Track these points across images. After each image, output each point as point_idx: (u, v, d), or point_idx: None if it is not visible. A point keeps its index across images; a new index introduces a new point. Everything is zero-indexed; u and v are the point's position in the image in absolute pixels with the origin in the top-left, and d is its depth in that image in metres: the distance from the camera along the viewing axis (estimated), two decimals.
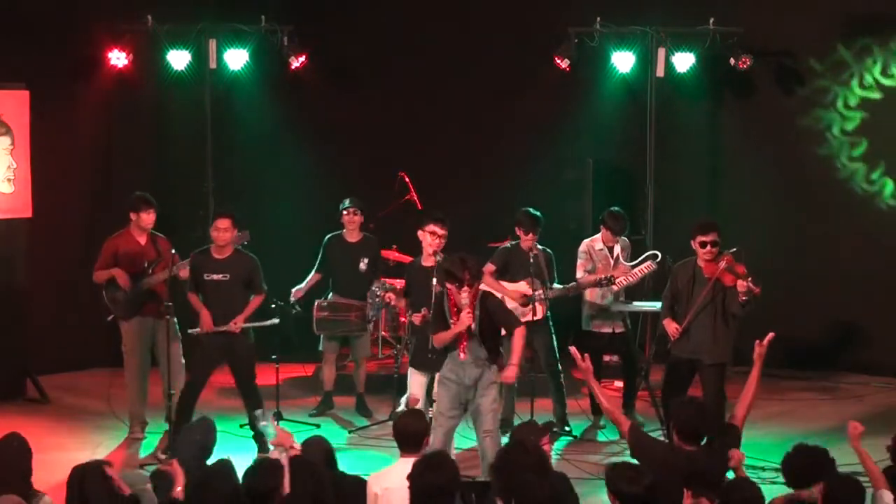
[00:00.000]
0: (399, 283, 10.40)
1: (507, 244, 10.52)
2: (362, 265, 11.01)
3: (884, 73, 12.55)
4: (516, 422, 9.97)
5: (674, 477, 6.06)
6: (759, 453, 8.94)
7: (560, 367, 10.38)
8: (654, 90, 12.39)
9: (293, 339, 11.29)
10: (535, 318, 10.03)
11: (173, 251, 10.06)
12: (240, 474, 6.11)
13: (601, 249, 10.60)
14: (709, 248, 9.24)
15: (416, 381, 9.21)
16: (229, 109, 12.92)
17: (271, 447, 6.59)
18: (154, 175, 12.71)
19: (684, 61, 12.35)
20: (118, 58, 12.25)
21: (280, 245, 12.21)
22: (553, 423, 10.02)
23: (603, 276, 10.26)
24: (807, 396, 11.91)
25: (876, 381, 12.31)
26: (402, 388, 9.98)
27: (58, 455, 8.88)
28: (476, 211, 12.95)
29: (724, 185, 13.23)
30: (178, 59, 12.32)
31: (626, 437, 6.93)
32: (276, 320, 10.03)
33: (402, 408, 9.77)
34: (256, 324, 9.89)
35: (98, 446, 10.05)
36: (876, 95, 12.59)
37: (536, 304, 10.01)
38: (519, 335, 8.37)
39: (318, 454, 6.48)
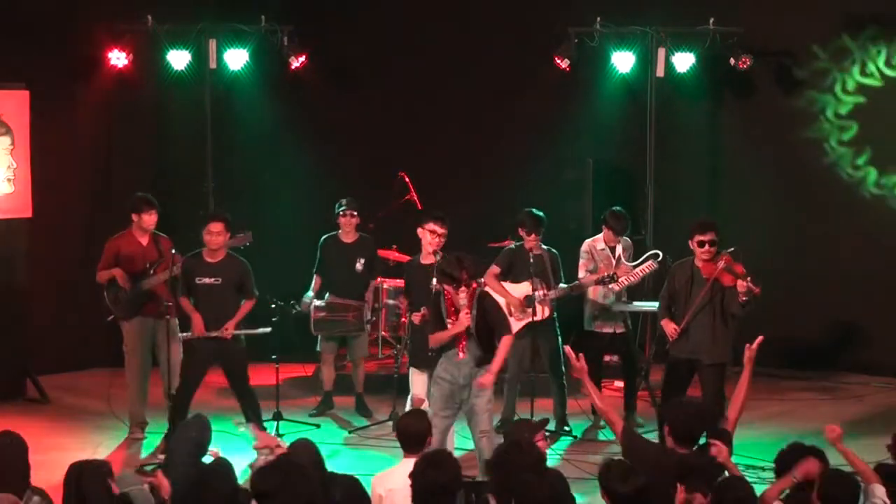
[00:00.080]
0: (397, 283, 10.40)
1: (512, 245, 10.51)
2: (359, 265, 11.00)
3: (888, 63, 12.54)
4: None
5: (666, 479, 6.05)
6: (759, 453, 8.93)
7: (564, 369, 10.38)
8: (654, 90, 12.39)
9: (293, 339, 11.28)
10: (540, 319, 10.04)
11: (174, 251, 10.06)
12: (238, 474, 6.11)
13: (603, 249, 10.60)
14: (707, 247, 9.22)
15: (417, 382, 9.21)
16: (229, 109, 12.93)
17: (256, 452, 6.56)
18: (154, 175, 12.72)
19: (684, 61, 12.35)
20: (118, 58, 12.26)
21: (280, 245, 12.22)
22: (547, 420, 10.01)
23: (605, 275, 10.26)
24: (807, 396, 11.91)
25: (876, 381, 12.31)
26: (402, 388, 9.97)
27: (58, 455, 8.87)
28: (476, 211, 12.95)
29: (724, 185, 13.23)
30: (178, 59, 12.32)
31: (619, 437, 6.93)
32: (268, 329, 9.99)
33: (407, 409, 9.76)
34: (248, 331, 9.86)
35: (98, 446, 10.05)
36: (877, 83, 12.58)
37: (538, 304, 10.01)
38: (505, 343, 8.35)
39: (305, 457, 6.47)
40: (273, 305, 10.86)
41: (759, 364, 12.48)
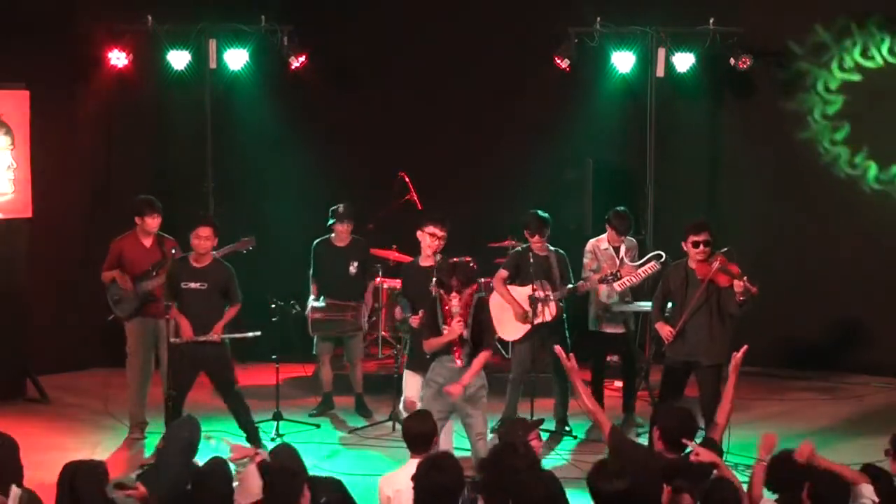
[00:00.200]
0: (397, 284, 10.39)
1: (518, 247, 10.51)
2: (352, 268, 10.99)
3: (863, 55, 12.54)
4: None
5: (653, 481, 6.05)
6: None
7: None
8: (654, 90, 12.40)
9: (293, 339, 11.28)
10: (546, 320, 10.04)
11: (174, 251, 10.06)
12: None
13: (606, 249, 10.61)
14: (701, 247, 9.20)
15: (410, 384, 9.20)
16: (229, 109, 12.93)
17: (233, 466, 6.54)
18: (154, 175, 12.73)
19: (684, 61, 12.36)
20: (118, 58, 12.27)
21: (280, 245, 12.22)
22: (542, 420, 10.01)
23: (609, 273, 10.26)
24: (807, 396, 11.90)
25: (876, 381, 12.31)
26: (402, 388, 9.97)
27: (57, 455, 8.84)
28: (476, 211, 12.96)
29: (724, 185, 13.23)
30: (178, 59, 12.33)
31: (607, 439, 6.93)
32: (257, 333, 9.97)
33: (399, 410, 9.77)
34: (237, 334, 9.86)
35: (97, 446, 10.05)
36: (855, 77, 12.59)
37: (542, 305, 10.01)
38: (483, 357, 8.33)
39: (287, 462, 6.45)
40: (273, 305, 10.87)
41: (759, 364, 12.61)
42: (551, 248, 10.33)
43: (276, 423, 10.32)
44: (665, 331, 9.37)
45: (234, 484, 6.29)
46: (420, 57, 13.13)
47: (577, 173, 12.89)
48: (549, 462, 9.62)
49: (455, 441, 9.00)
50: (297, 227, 12.55)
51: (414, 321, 9.03)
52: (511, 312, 10.26)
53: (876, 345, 12.57)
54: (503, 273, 10.30)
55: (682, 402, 8.93)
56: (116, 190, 12.66)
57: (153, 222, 10.19)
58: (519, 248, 10.47)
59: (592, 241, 10.72)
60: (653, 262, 10.46)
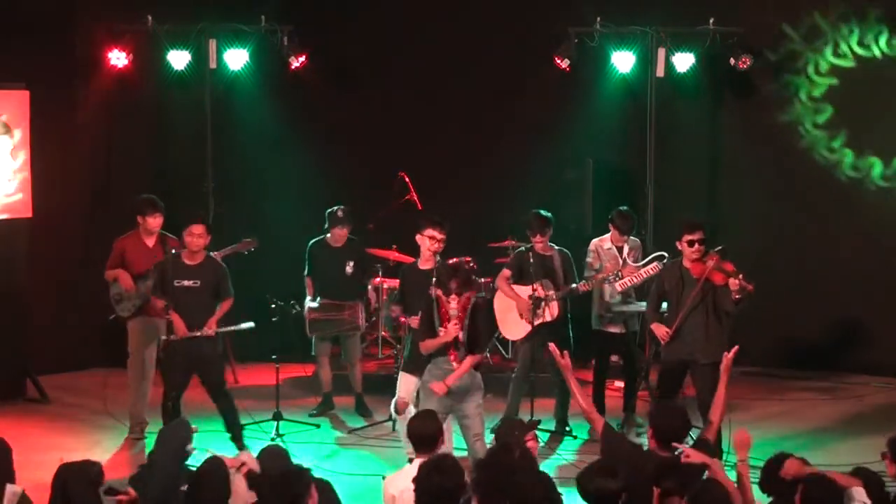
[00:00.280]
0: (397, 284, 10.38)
1: (522, 247, 10.51)
2: (348, 268, 10.99)
3: (860, 43, 12.53)
4: None
5: (644, 480, 6.04)
6: (759, 453, 8.87)
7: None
8: (654, 90, 12.39)
9: (293, 339, 11.28)
10: (547, 320, 10.04)
11: (175, 251, 10.04)
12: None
13: (609, 248, 10.61)
14: (696, 246, 9.21)
15: (405, 385, 9.18)
16: (229, 109, 12.92)
17: None
18: (154, 175, 12.72)
19: (684, 61, 12.35)
20: (118, 58, 12.26)
21: (280, 245, 12.21)
22: (539, 421, 10.02)
23: (611, 273, 10.26)
24: (807, 396, 11.90)
25: (876, 381, 12.30)
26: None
27: (57, 455, 8.84)
28: (476, 211, 12.96)
29: (724, 185, 13.22)
30: (178, 59, 12.33)
31: (600, 436, 6.93)
32: (251, 324, 9.98)
33: (391, 411, 9.77)
34: (232, 327, 9.86)
35: (97, 446, 10.05)
36: (849, 64, 12.58)
37: (543, 305, 10.00)
38: (470, 361, 8.35)
39: (277, 463, 6.44)
40: (273, 305, 10.86)
41: (759, 364, 12.60)
42: (556, 247, 10.33)
43: (276, 423, 10.32)
44: (661, 331, 9.38)
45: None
46: (420, 57, 13.13)
47: (577, 173, 12.89)
48: (552, 462, 9.63)
49: (455, 441, 9.00)
50: (297, 227, 12.52)
51: (414, 322, 9.03)
52: (515, 312, 10.27)
53: (876, 345, 12.57)
54: (506, 272, 10.33)
55: (678, 402, 8.95)
56: (116, 190, 12.66)
57: (154, 221, 10.19)
58: (522, 248, 10.47)
59: (596, 240, 10.73)
60: (655, 263, 10.44)
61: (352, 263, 11.00)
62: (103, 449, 9.97)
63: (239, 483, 6.21)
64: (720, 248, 9.23)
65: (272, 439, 10.06)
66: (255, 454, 6.57)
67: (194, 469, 6.29)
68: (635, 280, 10.44)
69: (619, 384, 11.12)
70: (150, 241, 10.24)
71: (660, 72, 12.31)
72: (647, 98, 12.45)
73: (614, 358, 11.14)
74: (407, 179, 12.67)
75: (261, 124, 13.19)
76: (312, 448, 10.01)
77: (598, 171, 12.72)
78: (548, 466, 9.36)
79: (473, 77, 13.09)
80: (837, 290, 12.68)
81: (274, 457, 6.49)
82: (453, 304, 8.21)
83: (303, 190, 13.02)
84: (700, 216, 10.51)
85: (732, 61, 12.31)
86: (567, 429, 10.49)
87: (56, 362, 12.33)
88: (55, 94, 12.20)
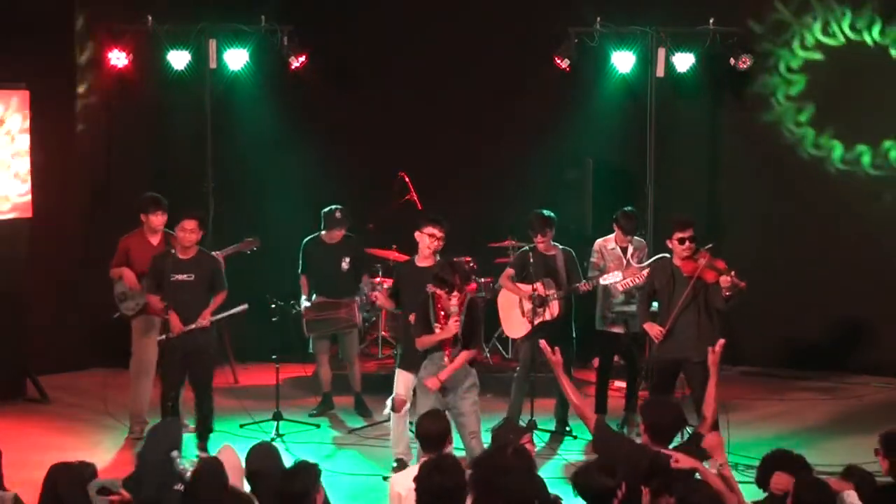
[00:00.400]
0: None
1: (525, 247, 10.51)
2: (344, 265, 10.98)
3: (824, 31, 12.52)
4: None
5: (636, 474, 6.04)
6: (760, 453, 8.88)
7: (572, 371, 10.35)
8: (654, 90, 12.39)
9: (293, 339, 11.28)
10: (547, 319, 10.04)
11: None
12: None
13: (613, 249, 10.60)
14: (687, 244, 9.20)
15: (402, 382, 9.20)
16: (229, 109, 12.92)
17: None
18: (154, 175, 12.71)
19: (684, 61, 12.35)
20: (118, 58, 12.25)
21: (280, 245, 12.20)
22: (535, 425, 10.04)
23: (611, 274, 10.26)
24: (807, 396, 11.90)
25: (876, 381, 12.30)
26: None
27: (57, 455, 8.80)
28: (476, 211, 12.96)
29: (723, 185, 13.22)
30: (178, 59, 12.32)
31: (593, 432, 6.93)
32: (245, 306, 9.99)
33: (387, 410, 9.78)
34: (226, 313, 9.88)
35: (97, 446, 10.05)
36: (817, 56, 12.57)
37: (543, 305, 10.01)
38: (464, 356, 8.39)
39: (268, 461, 6.44)
40: (273, 305, 10.86)
41: (759, 364, 12.60)
42: (560, 246, 10.33)
43: (276, 423, 10.32)
44: (654, 330, 9.38)
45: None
46: (420, 57, 13.13)
47: (577, 173, 12.89)
48: (553, 463, 9.64)
49: (454, 441, 8.99)
50: (297, 227, 12.51)
51: (412, 318, 9.03)
52: (517, 310, 10.28)
53: (876, 345, 12.57)
54: (509, 271, 10.36)
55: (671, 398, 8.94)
56: (116, 190, 12.66)
57: (158, 220, 10.21)
58: (525, 248, 10.47)
59: (600, 240, 10.73)
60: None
61: (347, 260, 10.99)
62: (104, 449, 9.98)
63: (229, 455, 6.19)
64: (710, 245, 9.22)
65: (272, 439, 10.06)
66: (243, 455, 6.56)
67: (187, 468, 6.27)
68: (637, 280, 10.43)
69: (620, 384, 11.12)
70: (155, 240, 10.25)
71: (660, 72, 12.31)
72: (647, 98, 12.45)
73: (615, 358, 11.14)
74: (407, 179, 12.68)
75: (261, 124, 13.18)
76: (312, 448, 10.01)
77: (598, 171, 12.72)
78: (550, 467, 9.37)
79: (473, 77, 13.09)
80: (837, 290, 12.67)
81: (264, 455, 6.49)
82: (454, 301, 8.21)
83: (303, 190, 13.01)
84: (700, 216, 10.49)
85: (732, 61, 12.31)
86: (567, 429, 10.49)
87: (56, 362, 12.33)
88: (55, 94, 12.21)
